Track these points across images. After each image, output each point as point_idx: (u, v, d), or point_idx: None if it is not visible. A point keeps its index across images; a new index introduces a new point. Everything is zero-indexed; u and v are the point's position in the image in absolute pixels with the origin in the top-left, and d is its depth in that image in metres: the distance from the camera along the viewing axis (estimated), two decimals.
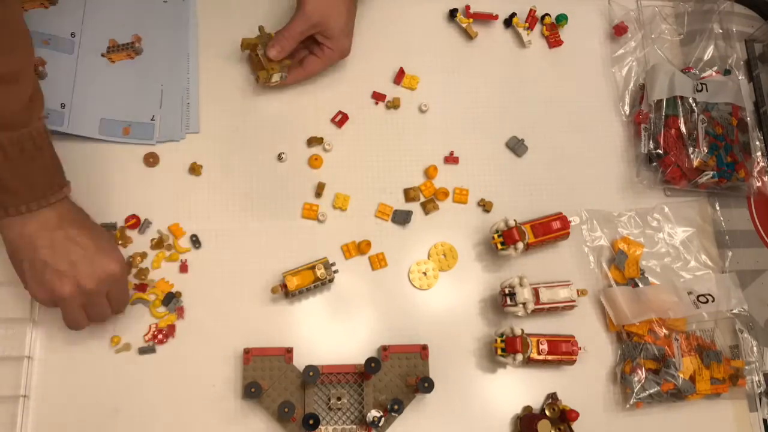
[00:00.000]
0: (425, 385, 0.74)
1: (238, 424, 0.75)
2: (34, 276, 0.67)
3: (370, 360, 0.73)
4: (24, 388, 0.72)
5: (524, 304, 0.78)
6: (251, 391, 0.71)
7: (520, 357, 0.77)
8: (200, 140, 0.84)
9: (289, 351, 0.76)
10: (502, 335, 0.78)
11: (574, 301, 0.81)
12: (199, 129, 0.84)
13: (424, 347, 0.79)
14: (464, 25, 0.92)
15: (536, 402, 0.81)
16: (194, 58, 0.86)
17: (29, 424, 0.72)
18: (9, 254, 0.69)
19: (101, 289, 0.69)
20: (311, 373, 0.72)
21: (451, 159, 0.87)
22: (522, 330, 0.78)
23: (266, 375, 0.75)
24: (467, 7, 0.93)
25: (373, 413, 0.73)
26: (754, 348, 0.85)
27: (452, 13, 0.93)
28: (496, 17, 0.93)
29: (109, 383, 0.75)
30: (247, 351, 0.75)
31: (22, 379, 0.72)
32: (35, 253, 0.66)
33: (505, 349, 0.77)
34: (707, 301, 0.84)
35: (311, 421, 0.71)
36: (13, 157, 0.63)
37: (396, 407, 0.73)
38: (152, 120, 0.82)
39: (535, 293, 0.80)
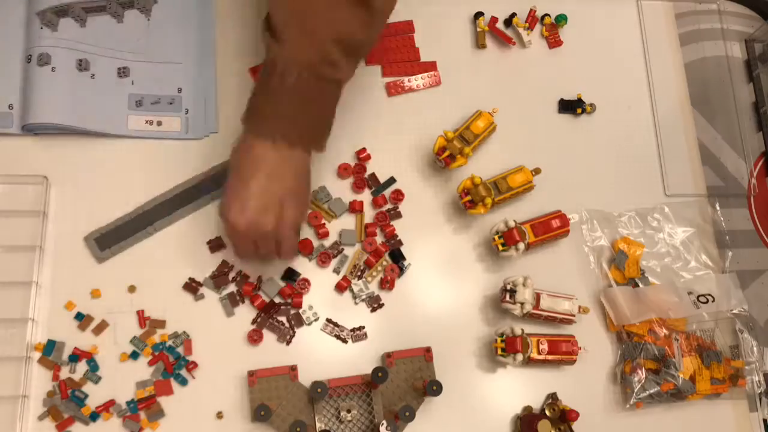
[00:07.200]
0: (434, 388, 0.74)
1: None
2: (248, 197, 0.68)
3: (376, 370, 0.72)
4: (24, 388, 0.72)
5: (522, 303, 0.78)
6: (261, 414, 0.70)
7: (520, 357, 0.77)
8: (219, 139, 0.84)
9: (293, 369, 0.76)
10: (502, 335, 0.78)
11: (573, 315, 0.81)
12: (218, 128, 0.84)
13: (428, 350, 0.79)
14: (478, 30, 0.92)
15: (536, 402, 0.81)
16: (212, 57, 0.86)
17: (29, 424, 0.72)
18: (237, 165, 0.70)
19: (285, 234, 0.72)
20: (319, 390, 0.71)
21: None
22: (522, 330, 0.78)
23: (273, 396, 0.74)
24: (493, 18, 0.93)
25: (386, 424, 0.72)
26: (754, 348, 0.85)
27: (477, 15, 0.93)
28: (514, 43, 0.93)
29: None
30: (251, 373, 0.75)
31: (22, 379, 0.72)
32: (270, 180, 0.68)
33: (505, 349, 0.77)
34: (707, 301, 0.84)
35: None
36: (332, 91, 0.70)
37: (407, 414, 0.72)
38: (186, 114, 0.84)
39: (537, 297, 0.80)
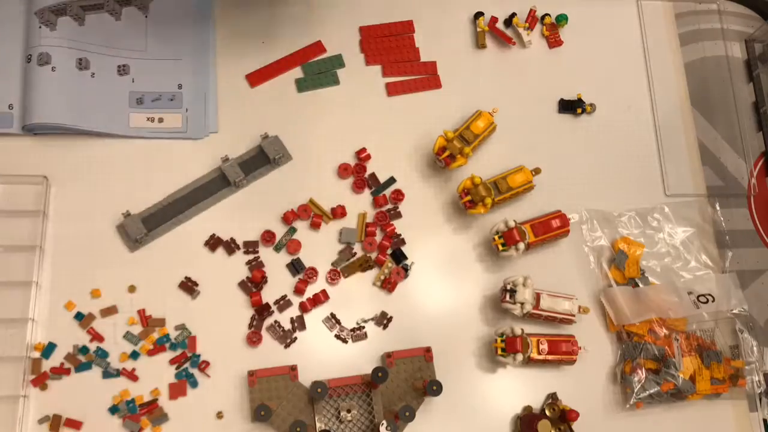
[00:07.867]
0: (434, 388, 0.74)
1: None
2: None
3: (377, 370, 0.72)
4: (24, 388, 0.72)
5: (522, 303, 0.78)
6: (261, 414, 0.70)
7: (520, 357, 0.77)
8: (219, 139, 0.84)
9: (293, 369, 0.76)
10: (502, 335, 0.78)
11: (573, 315, 0.81)
12: (217, 128, 0.84)
13: (428, 350, 0.79)
14: (478, 30, 0.92)
15: (536, 402, 0.81)
16: (211, 55, 0.87)
17: (29, 424, 0.72)
18: None
19: None
20: (319, 390, 0.71)
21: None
22: (522, 330, 0.78)
23: (273, 395, 0.75)
24: (493, 18, 0.93)
25: (386, 424, 0.72)
26: (754, 348, 0.85)
27: (477, 15, 0.93)
28: (514, 43, 0.93)
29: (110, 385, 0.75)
30: (251, 373, 0.75)
31: (22, 379, 0.72)
32: None
33: (505, 349, 0.77)
34: (707, 301, 0.84)
35: None
36: None
37: (407, 414, 0.72)
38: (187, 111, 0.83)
39: (537, 297, 0.80)
